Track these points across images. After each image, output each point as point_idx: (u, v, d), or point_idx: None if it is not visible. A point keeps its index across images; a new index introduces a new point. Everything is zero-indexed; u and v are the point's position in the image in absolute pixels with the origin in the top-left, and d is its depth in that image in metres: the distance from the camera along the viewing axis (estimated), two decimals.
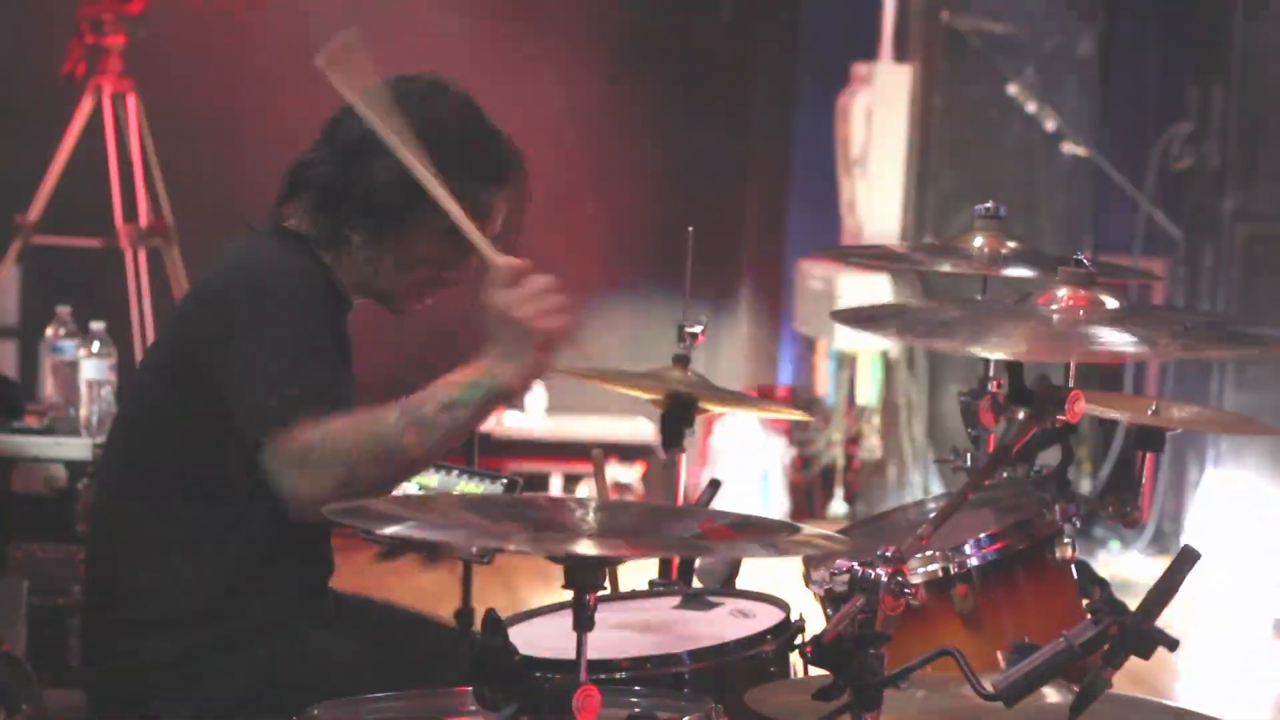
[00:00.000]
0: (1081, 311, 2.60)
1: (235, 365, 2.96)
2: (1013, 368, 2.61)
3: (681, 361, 3.53)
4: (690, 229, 3.52)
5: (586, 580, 2.31)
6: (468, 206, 3.05)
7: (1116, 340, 2.55)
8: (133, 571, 3.09)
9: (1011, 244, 3.53)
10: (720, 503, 3.37)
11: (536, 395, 8.62)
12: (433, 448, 2.90)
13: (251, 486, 2.95)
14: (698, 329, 3.52)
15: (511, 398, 2.96)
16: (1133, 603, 2.44)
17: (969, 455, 3.48)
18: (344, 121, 3.14)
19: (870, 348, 8.23)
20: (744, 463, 8.46)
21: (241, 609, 3.07)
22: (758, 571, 3.33)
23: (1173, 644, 2.36)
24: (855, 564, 2.47)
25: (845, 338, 8.21)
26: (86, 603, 3.29)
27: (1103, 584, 3.43)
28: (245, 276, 3.06)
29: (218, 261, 3.16)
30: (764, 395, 8.35)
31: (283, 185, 3.20)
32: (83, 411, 4.97)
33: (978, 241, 3.54)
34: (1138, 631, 2.37)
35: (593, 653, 2.39)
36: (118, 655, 3.10)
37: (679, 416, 3.51)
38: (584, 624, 2.32)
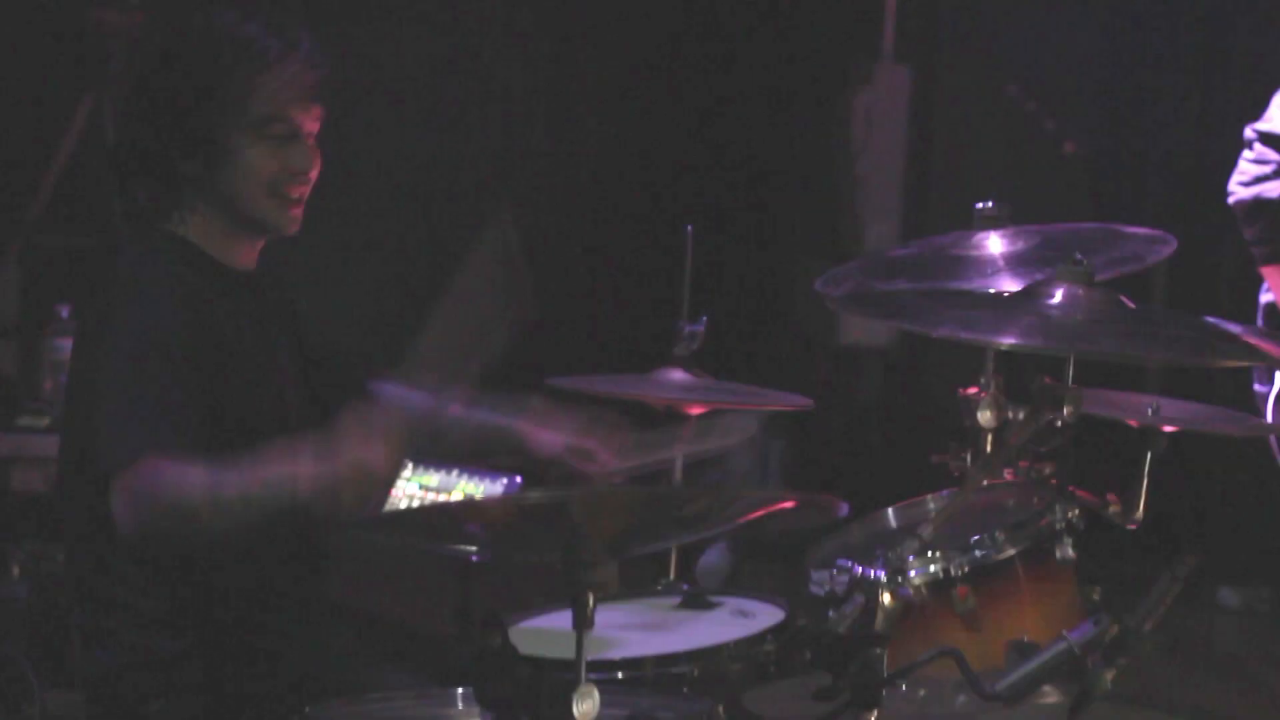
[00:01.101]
0: (1080, 311, 2.60)
1: (90, 400, 2.99)
2: (1012, 366, 2.62)
3: (681, 361, 3.53)
4: (689, 227, 3.52)
5: (586, 580, 2.31)
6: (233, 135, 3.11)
7: (1113, 339, 2.55)
8: (116, 575, 3.08)
9: (1011, 244, 3.54)
10: None
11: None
12: (275, 503, 2.87)
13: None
14: (697, 329, 3.52)
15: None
16: (1133, 603, 2.44)
17: (968, 455, 3.48)
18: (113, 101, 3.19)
19: (870, 346, 8.22)
20: (744, 463, 8.45)
21: (238, 609, 3.07)
22: (758, 571, 3.33)
23: (1173, 644, 2.36)
24: (855, 564, 2.47)
25: (845, 336, 8.20)
26: (77, 604, 3.27)
27: (1103, 584, 3.43)
28: (96, 308, 3.11)
29: (94, 283, 3.23)
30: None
31: (114, 187, 3.22)
32: None
33: (977, 240, 3.55)
34: (1138, 632, 2.37)
35: (594, 652, 2.39)
36: (112, 659, 3.09)
37: (677, 420, 3.51)
38: (583, 623, 2.32)
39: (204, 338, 3.06)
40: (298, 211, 3.21)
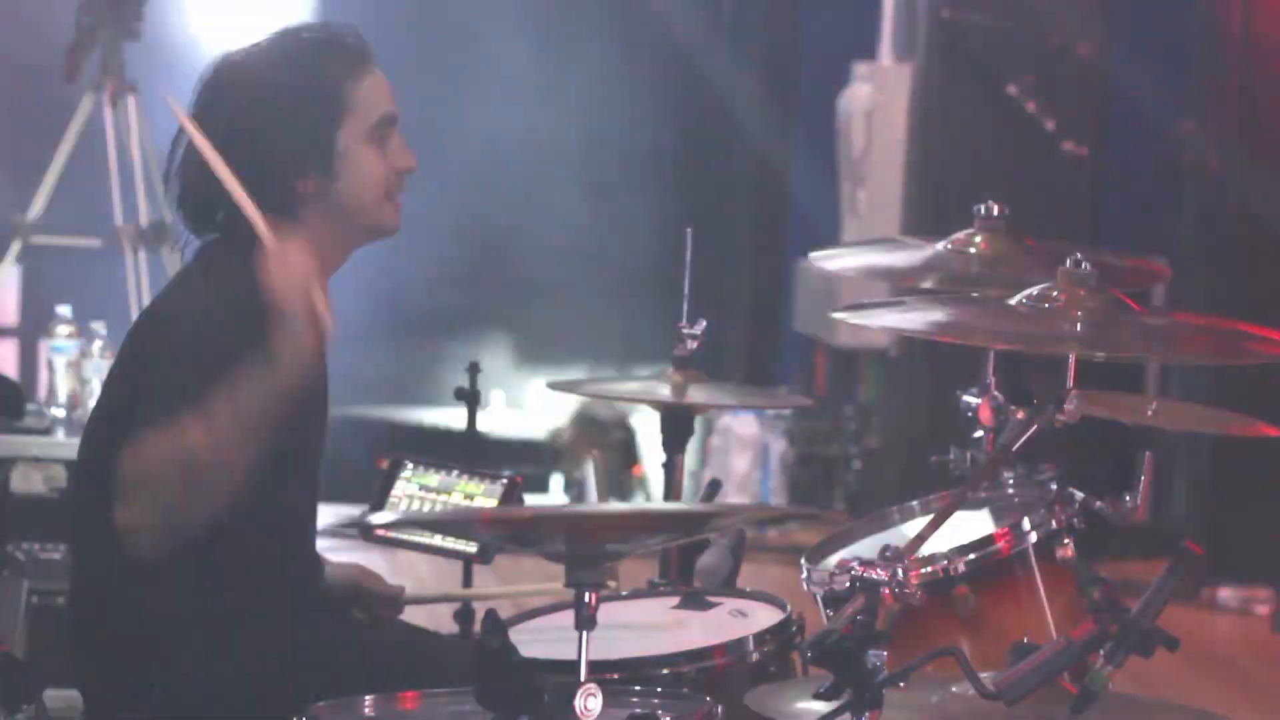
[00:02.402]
0: (1080, 310, 2.60)
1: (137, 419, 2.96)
2: (1012, 367, 2.62)
3: (681, 363, 3.53)
4: (689, 229, 3.52)
5: (587, 580, 2.31)
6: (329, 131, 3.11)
7: (1114, 341, 2.55)
8: (125, 574, 3.08)
9: (1010, 244, 3.53)
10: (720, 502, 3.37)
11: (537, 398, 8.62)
12: (229, 441, 2.87)
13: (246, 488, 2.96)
14: (697, 330, 3.52)
15: (287, 365, 2.91)
16: (1133, 603, 2.44)
17: (969, 455, 3.48)
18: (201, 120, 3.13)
19: (870, 347, 8.22)
20: (744, 462, 8.46)
21: (237, 608, 3.07)
22: (758, 572, 3.33)
23: (1173, 643, 2.36)
24: (855, 564, 2.47)
25: (845, 337, 8.20)
26: (76, 603, 3.26)
27: (1103, 584, 3.42)
28: (171, 329, 3.07)
29: (165, 291, 3.23)
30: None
31: (198, 215, 3.21)
32: (82, 411, 4.97)
33: (977, 241, 3.54)
34: (1138, 631, 2.36)
35: (593, 653, 2.39)
36: (112, 656, 3.09)
37: (678, 421, 3.51)
38: (585, 623, 2.32)
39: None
40: (398, 212, 3.23)
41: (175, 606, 3.05)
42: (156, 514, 2.88)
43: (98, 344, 5.01)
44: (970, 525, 3.29)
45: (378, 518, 3.27)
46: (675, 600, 3.28)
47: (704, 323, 3.52)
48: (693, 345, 3.52)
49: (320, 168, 3.12)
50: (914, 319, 2.78)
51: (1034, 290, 2.67)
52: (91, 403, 4.96)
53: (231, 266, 3.04)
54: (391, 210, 3.21)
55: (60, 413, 5.05)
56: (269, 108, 3.12)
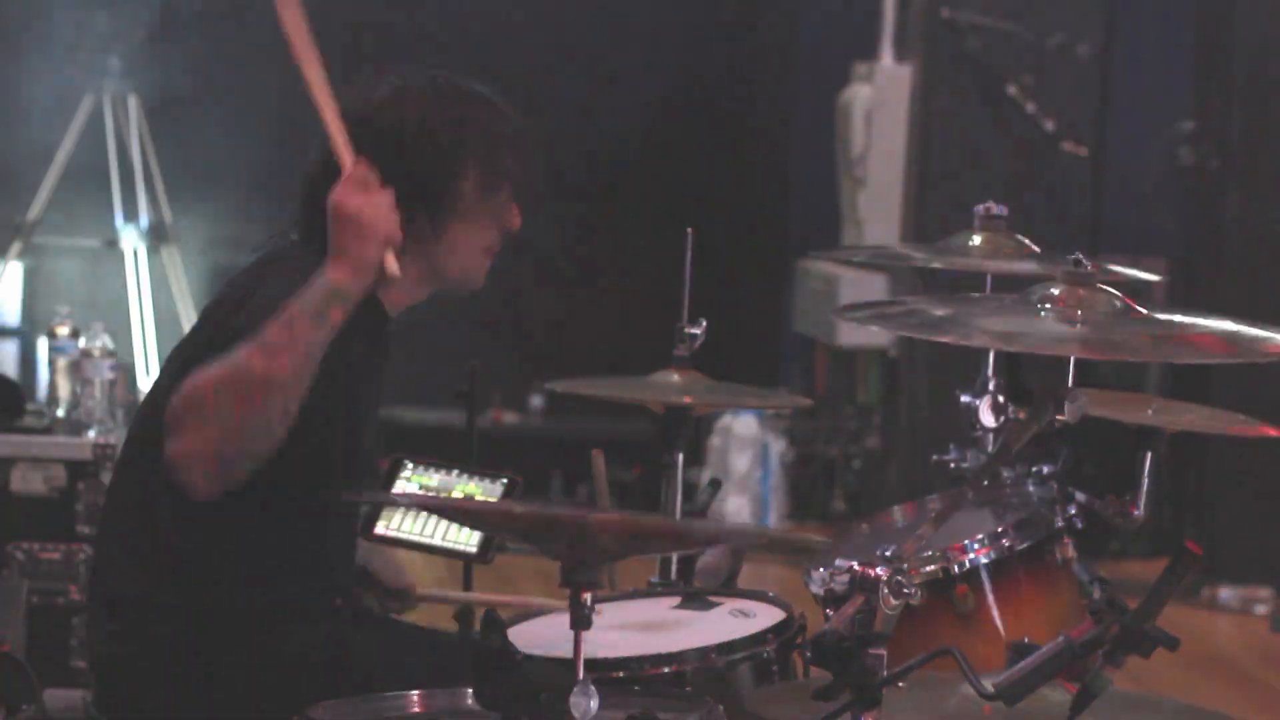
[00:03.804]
0: (1079, 311, 2.60)
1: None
2: (1012, 368, 2.62)
3: (681, 363, 3.53)
4: (689, 229, 3.52)
5: (583, 579, 2.31)
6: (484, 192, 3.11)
7: (1114, 341, 2.55)
8: (138, 566, 3.09)
9: (1011, 244, 3.53)
10: (720, 502, 3.37)
11: (536, 397, 8.62)
12: (283, 368, 2.82)
13: (259, 481, 2.96)
14: (697, 330, 3.52)
15: (345, 296, 2.88)
16: (1133, 603, 2.44)
17: (969, 455, 3.48)
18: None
19: (870, 347, 8.22)
20: (744, 462, 8.45)
21: (244, 605, 3.07)
22: (758, 572, 3.33)
23: (1173, 643, 2.36)
24: (855, 564, 2.47)
25: (845, 337, 8.20)
26: (91, 598, 3.28)
27: (1103, 584, 3.42)
28: (238, 297, 3.03)
29: (236, 277, 3.16)
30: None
31: (301, 211, 3.15)
32: (82, 411, 4.97)
33: (977, 241, 3.55)
34: (1138, 631, 2.36)
35: (593, 652, 2.39)
36: (121, 650, 3.10)
37: (677, 420, 3.51)
38: (581, 622, 2.32)
39: (328, 377, 2.97)
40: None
41: (190, 601, 3.05)
42: (210, 441, 2.83)
43: (98, 344, 5.00)
44: (970, 525, 3.29)
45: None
46: (676, 600, 3.28)
47: (704, 322, 3.52)
48: (694, 344, 3.52)
49: (433, 207, 3.08)
50: (914, 319, 2.78)
51: (1034, 290, 2.67)
52: (91, 402, 4.97)
53: (309, 259, 3.01)
54: (481, 270, 3.19)
55: (60, 413, 5.05)
56: (415, 128, 3.07)
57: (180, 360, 3.06)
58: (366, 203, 2.92)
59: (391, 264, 2.92)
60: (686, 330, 3.52)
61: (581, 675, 2.32)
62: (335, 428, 3.06)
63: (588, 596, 2.33)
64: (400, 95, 3.12)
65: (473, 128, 3.13)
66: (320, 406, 2.94)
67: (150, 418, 3.09)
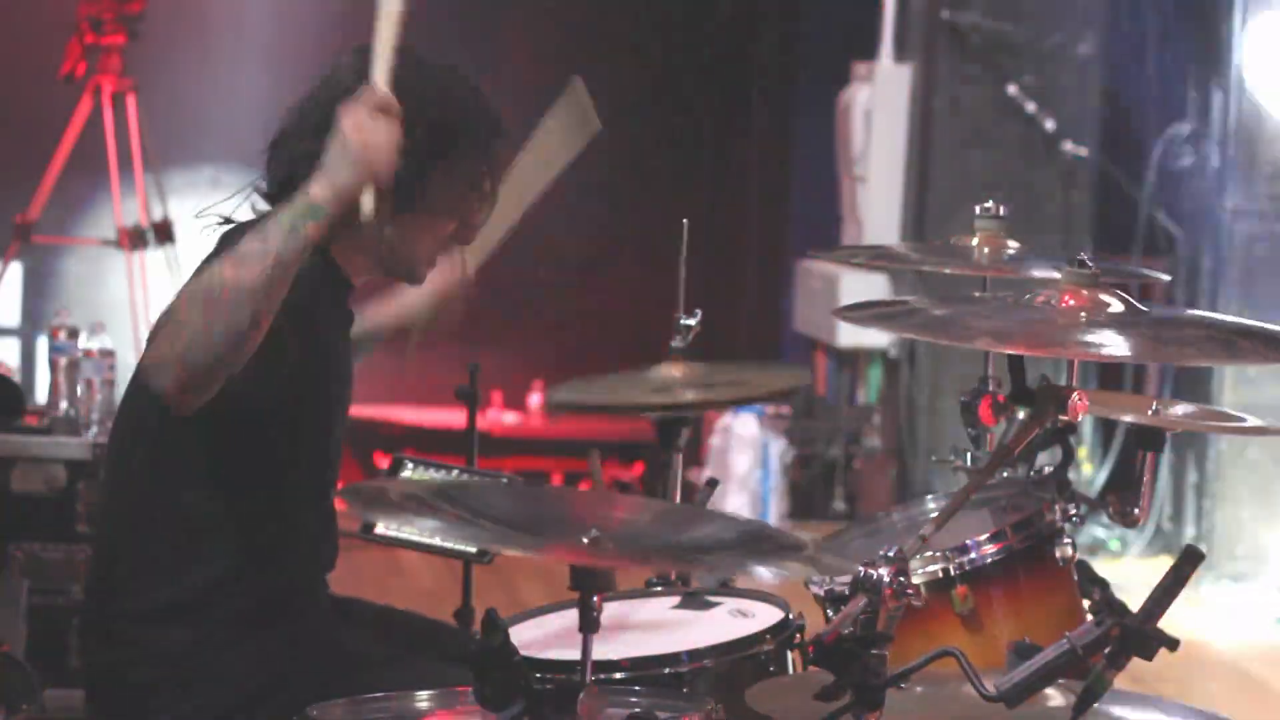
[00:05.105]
0: (1082, 311, 2.60)
1: None
2: (1014, 367, 2.61)
3: (678, 354, 3.54)
4: (685, 221, 3.52)
5: (593, 583, 2.31)
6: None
7: (1115, 342, 2.55)
8: (133, 566, 3.09)
9: (1012, 244, 3.53)
10: (718, 502, 3.37)
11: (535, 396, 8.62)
12: (253, 276, 2.79)
13: (251, 477, 2.96)
14: (692, 321, 3.52)
15: (323, 215, 2.84)
16: (1134, 603, 2.44)
17: (969, 455, 3.48)
18: (333, 91, 3.07)
19: (870, 347, 8.22)
20: (744, 462, 8.45)
21: (241, 605, 3.07)
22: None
23: (1174, 644, 2.36)
24: (855, 564, 2.47)
25: (845, 337, 8.20)
26: (87, 598, 3.29)
27: (1103, 584, 3.42)
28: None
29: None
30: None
31: (272, 176, 3.13)
32: (82, 411, 4.97)
33: (977, 241, 3.54)
34: (1139, 632, 2.36)
35: (593, 653, 2.39)
36: (116, 652, 3.09)
37: (676, 420, 3.51)
38: (590, 626, 2.32)
39: (297, 337, 2.97)
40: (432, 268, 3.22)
41: (184, 598, 3.05)
42: (180, 347, 2.79)
43: (97, 344, 5.00)
44: (970, 525, 3.29)
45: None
46: (675, 600, 3.28)
47: (699, 313, 3.53)
48: (689, 336, 3.52)
49: (404, 189, 3.01)
50: (914, 320, 2.78)
51: (1035, 290, 2.67)
52: (91, 402, 4.96)
53: None
54: (424, 269, 3.19)
55: (60, 413, 5.04)
56: (410, 111, 2.98)
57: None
58: (374, 130, 2.86)
59: (368, 203, 2.87)
60: (682, 321, 3.52)
61: (589, 678, 2.32)
62: (310, 382, 3.05)
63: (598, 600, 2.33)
64: (403, 73, 3.05)
65: (464, 123, 3.12)
66: (292, 353, 2.94)
67: (131, 410, 3.11)
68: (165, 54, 7.92)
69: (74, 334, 5.08)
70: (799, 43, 9.14)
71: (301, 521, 3.09)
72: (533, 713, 2.34)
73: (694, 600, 3.26)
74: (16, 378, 5.09)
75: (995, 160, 7.92)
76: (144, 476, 3.08)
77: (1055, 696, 2.57)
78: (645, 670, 2.86)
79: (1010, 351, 2.59)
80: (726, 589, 3.30)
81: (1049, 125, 7.87)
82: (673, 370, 3.54)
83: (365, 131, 2.85)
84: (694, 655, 2.90)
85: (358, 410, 3.33)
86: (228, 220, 3.15)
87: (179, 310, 2.81)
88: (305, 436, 3.08)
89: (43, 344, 5.33)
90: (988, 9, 7.88)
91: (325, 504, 3.17)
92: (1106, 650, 2.37)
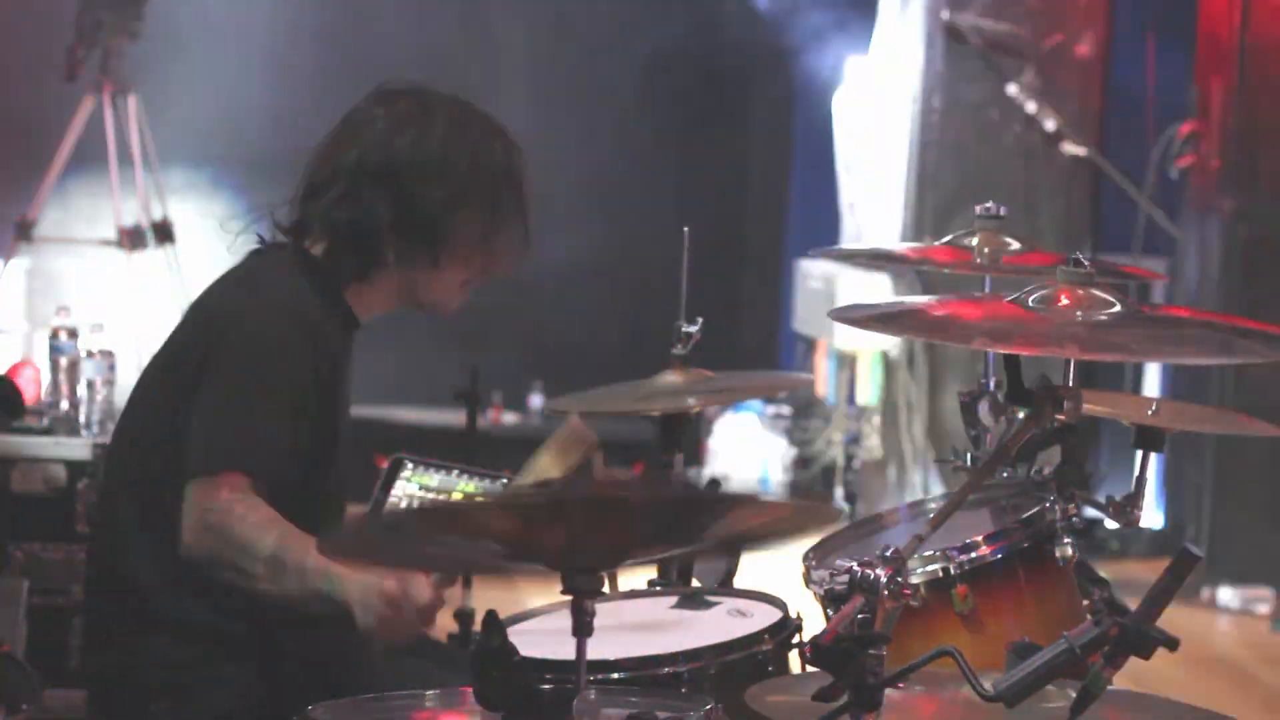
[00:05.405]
0: (1079, 311, 2.60)
1: (199, 395, 3.02)
2: (1012, 367, 2.61)
3: (680, 361, 3.53)
4: (686, 229, 3.52)
5: (585, 586, 2.31)
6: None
7: (1114, 341, 2.55)
8: (131, 572, 3.09)
9: (1012, 244, 3.53)
10: None
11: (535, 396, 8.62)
12: (272, 584, 2.93)
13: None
14: (694, 328, 3.52)
15: (335, 595, 2.93)
16: (1133, 603, 2.44)
17: (969, 455, 3.48)
18: (359, 144, 3.13)
19: (870, 348, 8.22)
20: (744, 462, 8.45)
21: (242, 606, 3.07)
22: (756, 571, 3.33)
23: (1173, 644, 2.36)
24: (855, 564, 2.47)
25: (845, 338, 8.20)
26: (87, 603, 3.30)
27: (1103, 584, 3.42)
28: (234, 309, 3.10)
29: (226, 278, 3.20)
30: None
31: (298, 214, 3.19)
32: (83, 411, 4.97)
33: (977, 241, 3.54)
34: (1138, 632, 2.36)
35: (592, 653, 2.39)
36: (118, 653, 3.10)
37: (676, 420, 3.51)
38: (583, 629, 2.32)
39: (316, 378, 3.08)
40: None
41: (187, 604, 3.05)
42: (208, 555, 2.96)
43: (97, 344, 5.00)
44: (970, 525, 3.29)
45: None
46: (674, 600, 3.28)
47: (701, 320, 3.53)
48: (690, 343, 3.52)
49: (431, 239, 3.12)
50: (912, 320, 2.78)
51: (1034, 290, 2.67)
52: (91, 403, 4.96)
53: (299, 283, 3.11)
54: (459, 300, 3.25)
55: (60, 413, 5.04)
56: (435, 165, 3.11)
57: (157, 368, 3.16)
58: (404, 621, 2.92)
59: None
60: (684, 329, 3.52)
61: (584, 683, 2.32)
62: (323, 421, 3.12)
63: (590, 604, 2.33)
64: (425, 125, 3.12)
65: (487, 170, 3.16)
66: (319, 417, 3.05)
67: (135, 413, 3.12)
68: (166, 55, 7.92)
69: (74, 334, 5.08)
70: (799, 42, 9.15)
71: (302, 523, 3.09)
72: (530, 714, 2.34)
73: (692, 600, 3.25)
74: (45, 377, 5.10)
75: (995, 160, 7.92)
76: (145, 479, 3.09)
77: (1054, 696, 2.57)
78: (644, 670, 2.86)
79: (1005, 351, 2.59)
80: (725, 589, 3.30)
81: (1049, 125, 7.87)
82: (674, 377, 3.54)
83: (395, 613, 2.91)
84: (693, 655, 2.90)
85: (358, 410, 3.33)
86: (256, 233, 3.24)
87: (225, 541, 2.94)
88: (310, 457, 3.10)
89: (43, 344, 5.33)
90: (988, 9, 7.89)
91: (327, 505, 3.18)
92: (1105, 650, 2.37)
